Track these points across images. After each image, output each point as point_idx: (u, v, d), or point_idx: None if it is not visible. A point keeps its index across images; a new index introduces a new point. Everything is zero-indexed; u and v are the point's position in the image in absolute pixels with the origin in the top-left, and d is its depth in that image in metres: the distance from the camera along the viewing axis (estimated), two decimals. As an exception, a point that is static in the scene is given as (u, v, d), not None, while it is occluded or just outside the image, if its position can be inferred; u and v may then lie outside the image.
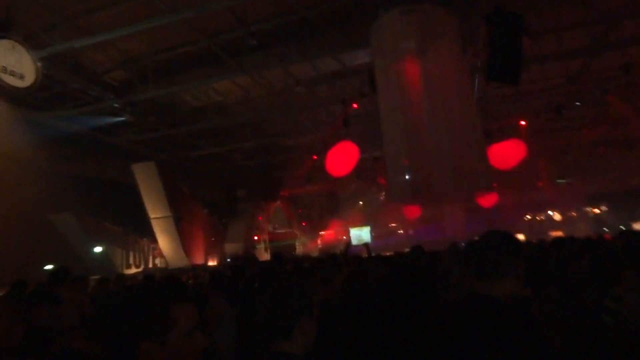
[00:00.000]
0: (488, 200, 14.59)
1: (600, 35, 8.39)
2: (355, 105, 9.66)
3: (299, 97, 10.14)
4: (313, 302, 1.61)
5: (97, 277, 6.25)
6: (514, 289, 1.69)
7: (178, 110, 11.08)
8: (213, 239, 15.70)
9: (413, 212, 16.72)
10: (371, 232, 22.84)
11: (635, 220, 19.51)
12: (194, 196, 15.01)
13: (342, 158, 11.75)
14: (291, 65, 8.87)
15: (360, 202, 22.24)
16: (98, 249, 11.94)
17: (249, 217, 16.94)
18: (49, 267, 9.52)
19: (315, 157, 13.30)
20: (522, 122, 11.65)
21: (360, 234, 23.24)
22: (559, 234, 15.85)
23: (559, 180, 19.01)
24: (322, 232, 23.27)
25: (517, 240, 1.79)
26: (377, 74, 7.21)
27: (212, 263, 14.81)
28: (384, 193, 19.03)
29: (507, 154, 10.49)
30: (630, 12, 7.50)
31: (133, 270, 12.77)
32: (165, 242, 13.43)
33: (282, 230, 19.76)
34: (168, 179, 12.99)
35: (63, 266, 4.17)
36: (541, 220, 22.52)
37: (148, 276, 6.31)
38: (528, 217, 22.68)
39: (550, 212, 22.41)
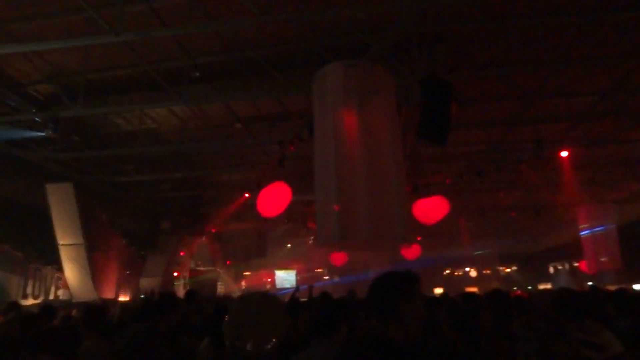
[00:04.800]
0: (411, 252, 15.11)
1: (519, 111, 9.33)
2: (292, 148, 9.74)
3: (237, 134, 10.07)
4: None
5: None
6: (413, 330, 1.72)
7: (106, 133, 10.51)
8: (128, 272, 14.62)
9: (339, 258, 16.83)
10: (297, 276, 22.65)
11: (541, 281, 21.14)
12: (112, 225, 13.99)
13: (274, 199, 11.66)
14: (232, 101, 8.85)
15: (289, 245, 22.02)
16: (-9, 275, 10.61)
17: (170, 251, 16.07)
18: None
19: (247, 195, 13.10)
20: (447, 181, 12.39)
21: (286, 277, 22.91)
22: (474, 289, 16.68)
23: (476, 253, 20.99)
24: (247, 273, 22.62)
25: (411, 281, 1.80)
26: (316, 121, 7.36)
27: (123, 298, 13.71)
28: (312, 237, 19.04)
29: (431, 209, 11.01)
30: (543, 93, 8.45)
31: (30, 302, 11.44)
32: (72, 271, 12.19)
33: (205, 268, 18.95)
34: (85, 204, 12.04)
35: None
36: (459, 275, 23.77)
37: (46, 307, 5.58)
38: (447, 271, 23.85)
39: (467, 269, 23.73)
